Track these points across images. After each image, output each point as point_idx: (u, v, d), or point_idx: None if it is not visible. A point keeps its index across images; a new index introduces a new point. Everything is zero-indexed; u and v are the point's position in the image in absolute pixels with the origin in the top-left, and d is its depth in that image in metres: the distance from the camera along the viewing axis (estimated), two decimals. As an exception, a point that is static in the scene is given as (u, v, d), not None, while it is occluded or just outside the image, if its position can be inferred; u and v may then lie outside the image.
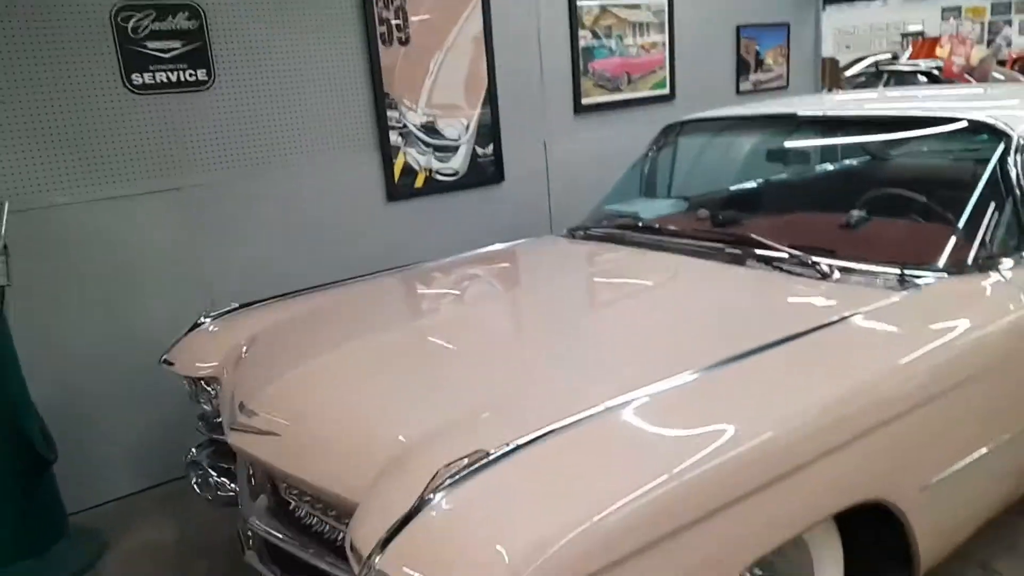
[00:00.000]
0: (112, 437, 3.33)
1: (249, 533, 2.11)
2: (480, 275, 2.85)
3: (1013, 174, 2.31)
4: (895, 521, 1.85)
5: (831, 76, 7.26)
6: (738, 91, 5.31)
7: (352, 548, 1.41)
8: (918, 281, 2.13)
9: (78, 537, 3.02)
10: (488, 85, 4.12)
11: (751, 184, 3.28)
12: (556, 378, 1.84)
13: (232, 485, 2.49)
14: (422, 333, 2.25)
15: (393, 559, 1.32)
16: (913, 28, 13.25)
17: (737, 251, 2.48)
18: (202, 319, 2.67)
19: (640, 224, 2.93)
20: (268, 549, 2.06)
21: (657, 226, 2.86)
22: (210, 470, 2.54)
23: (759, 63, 5.40)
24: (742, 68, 5.31)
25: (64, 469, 2.99)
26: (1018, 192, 2.30)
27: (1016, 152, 2.32)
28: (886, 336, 1.92)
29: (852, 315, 1.96)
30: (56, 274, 3.11)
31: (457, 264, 2.93)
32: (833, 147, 3.25)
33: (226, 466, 2.54)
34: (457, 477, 1.38)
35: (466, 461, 1.40)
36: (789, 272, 2.31)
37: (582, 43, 4.47)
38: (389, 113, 3.81)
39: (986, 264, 2.19)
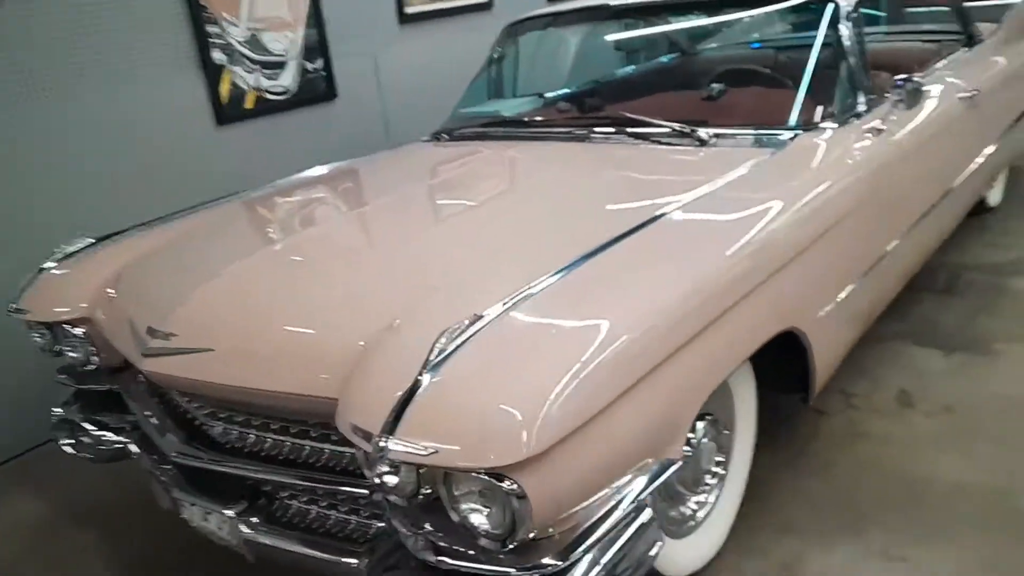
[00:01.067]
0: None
1: (167, 475, 1.96)
2: (361, 180, 2.75)
3: (845, 39, 2.56)
4: (800, 350, 2.08)
5: None
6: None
7: (356, 429, 1.37)
8: (782, 138, 2.34)
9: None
10: (310, -5, 3.89)
11: (607, 73, 3.39)
12: (486, 256, 1.86)
13: (116, 438, 2.28)
14: (328, 234, 2.17)
15: (409, 431, 1.30)
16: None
17: (613, 131, 2.58)
18: (50, 261, 2.37)
19: (508, 120, 2.95)
20: (186, 479, 1.93)
21: (527, 119, 2.89)
22: (86, 425, 2.31)
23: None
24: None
25: None
26: (851, 55, 2.57)
27: (846, 19, 2.58)
28: (776, 185, 2.10)
29: (740, 172, 2.13)
30: None
31: (332, 175, 2.81)
32: (679, 29, 3.42)
33: (103, 419, 2.32)
34: (459, 341, 1.36)
35: (464, 324, 1.39)
36: (669, 144, 2.45)
37: (399, -53, 4.33)
38: (208, 28, 3.49)
39: (833, 120, 2.44)
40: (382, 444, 1.30)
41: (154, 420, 2.03)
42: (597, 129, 2.63)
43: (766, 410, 2.24)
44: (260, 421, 1.80)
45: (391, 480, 1.46)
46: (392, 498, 1.48)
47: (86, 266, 2.29)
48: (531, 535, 1.34)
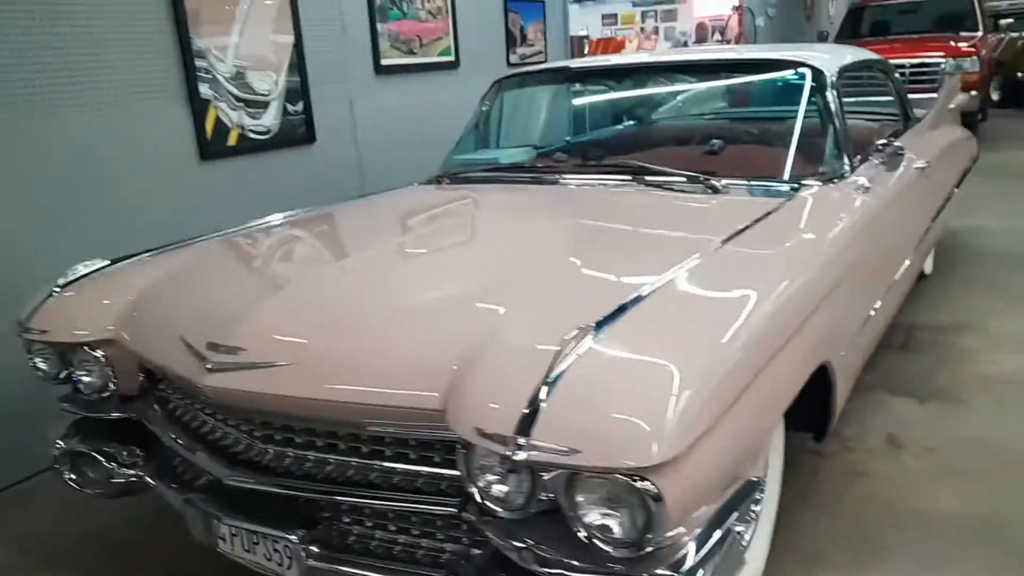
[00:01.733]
0: None
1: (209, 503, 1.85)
2: (381, 214, 2.74)
3: (831, 105, 2.79)
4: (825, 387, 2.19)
5: (579, 54, 7.91)
6: (508, 63, 5.59)
7: (483, 434, 1.35)
8: (785, 190, 2.51)
9: None
10: (295, 38, 3.91)
11: (600, 129, 3.53)
12: (565, 276, 1.91)
13: (130, 471, 2.15)
14: (386, 256, 2.19)
15: (545, 433, 1.30)
16: (581, 32, 14.78)
17: (629, 178, 2.69)
18: (61, 282, 2.25)
19: (515, 167, 3.02)
20: (237, 508, 1.83)
21: (536, 166, 2.97)
22: (96, 456, 2.17)
23: (523, 37, 5.74)
24: (511, 41, 5.60)
25: None
26: (836, 119, 2.79)
27: (832, 87, 2.82)
28: (802, 227, 2.24)
29: (767, 215, 2.27)
30: None
31: (351, 209, 2.82)
32: (673, 92, 3.61)
33: (113, 450, 2.19)
34: (576, 351, 1.39)
35: (578, 334, 1.42)
36: (683, 192, 2.57)
37: (377, 2, 4.41)
38: (197, 62, 3.45)
39: (830, 174, 2.64)
40: (520, 444, 1.29)
41: (190, 445, 1.93)
42: (611, 176, 2.74)
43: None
44: (324, 442, 1.75)
45: (500, 489, 1.45)
46: (497, 510, 1.46)
47: (106, 287, 2.19)
48: (666, 540, 1.35)
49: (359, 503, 1.69)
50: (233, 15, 3.61)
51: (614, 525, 1.36)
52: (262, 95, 3.79)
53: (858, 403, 3.12)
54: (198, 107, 3.48)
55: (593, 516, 1.37)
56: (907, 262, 3.16)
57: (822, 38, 11.33)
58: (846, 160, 2.75)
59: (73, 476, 2.20)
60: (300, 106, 3.99)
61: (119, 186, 3.20)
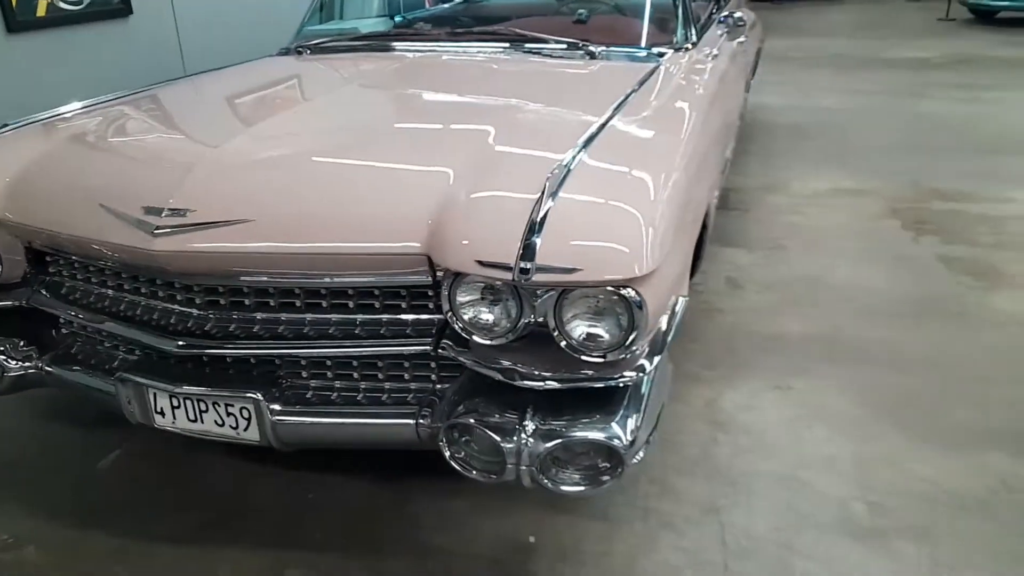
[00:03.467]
0: None
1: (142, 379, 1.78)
2: (262, 81, 2.60)
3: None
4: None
5: None
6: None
7: (486, 264, 1.44)
8: (653, 55, 2.71)
9: None
10: None
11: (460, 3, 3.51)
12: (514, 125, 2.00)
13: (23, 363, 2.00)
14: (327, 108, 2.15)
15: (546, 256, 1.42)
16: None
17: (506, 46, 2.75)
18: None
19: (382, 35, 2.96)
20: (180, 377, 1.79)
21: (404, 35, 2.93)
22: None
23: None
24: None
25: None
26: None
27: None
28: (685, 84, 2.46)
29: (649, 75, 2.45)
30: None
31: (218, 79, 2.64)
32: None
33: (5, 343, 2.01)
34: (562, 184, 1.52)
35: (564, 163, 1.53)
36: (564, 58, 2.69)
37: None
38: (-8, -85, 2.98)
39: (681, 43, 2.86)
40: (525, 268, 1.40)
41: (116, 323, 1.83)
42: (487, 45, 2.78)
43: None
44: (276, 301, 1.74)
45: (486, 318, 1.55)
46: (481, 339, 1.57)
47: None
48: (648, 342, 1.54)
49: (329, 355, 1.72)
50: None
51: (602, 332, 1.51)
52: (69, -41, 3.35)
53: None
54: (-2, -29, 3.03)
55: (580, 329, 1.51)
56: (733, 126, 3.52)
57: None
58: (693, 31, 2.99)
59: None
60: (113, -27, 3.57)
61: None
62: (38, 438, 2.40)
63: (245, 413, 1.74)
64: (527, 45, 2.74)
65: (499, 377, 1.57)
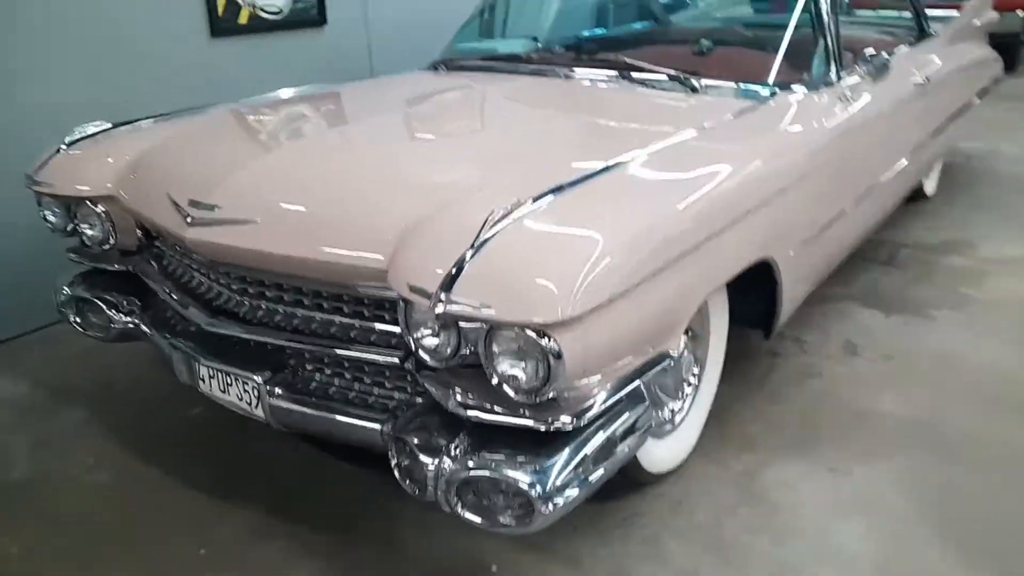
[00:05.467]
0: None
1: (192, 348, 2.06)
2: (378, 95, 2.86)
3: (824, 12, 2.79)
4: (763, 289, 2.31)
5: None
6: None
7: (414, 288, 1.52)
8: (762, 94, 2.56)
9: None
10: (309, -84, 3.93)
11: (598, 22, 3.56)
12: (526, 159, 2.03)
13: (127, 318, 2.36)
14: (363, 132, 2.31)
15: (464, 290, 1.46)
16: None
17: (614, 74, 2.75)
18: (67, 140, 2.42)
19: (509, 56, 3.08)
20: (217, 353, 2.04)
21: (528, 57, 3.03)
22: (97, 302, 2.38)
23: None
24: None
25: None
26: (827, 27, 2.79)
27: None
28: (764, 130, 2.32)
29: (734, 115, 2.34)
30: None
31: (351, 90, 2.93)
32: None
33: (114, 298, 2.40)
34: (511, 217, 1.54)
35: (515, 203, 1.56)
36: (663, 90, 2.64)
37: None
38: (212, -62, 3.51)
39: (814, 81, 2.67)
40: (442, 298, 1.46)
41: (176, 295, 2.13)
42: (597, 72, 2.80)
43: (731, 345, 2.50)
44: (292, 297, 1.93)
45: (431, 342, 1.62)
46: (428, 361, 1.64)
47: (108, 147, 2.35)
48: (562, 393, 1.52)
49: (317, 352, 1.88)
50: None
51: (519, 374, 1.53)
52: (275, -26, 3.84)
53: (825, 311, 3.24)
54: (211, -17, 3.56)
55: (504, 366, 1.54)
56: (890, 176, 3.20)
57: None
58: (833, 68, 2.77)
59: (78, 320, 2.42)
60: (313, -13, 4.03)
61: (133, 57, 3.33)
62: (143, 383, 2.79)
63: (255, 391, 1.95)
64: (633, 74, 2.72)
65: (436, 399, 1.63)
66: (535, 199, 1.63)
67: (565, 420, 1.56)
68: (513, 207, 1.58)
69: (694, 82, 2.61)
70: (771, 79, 2.63)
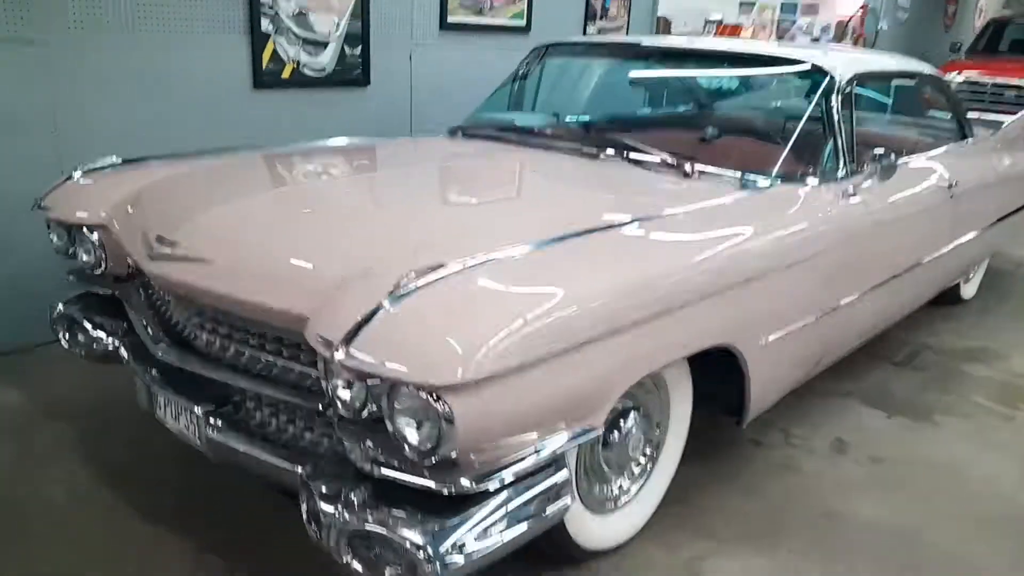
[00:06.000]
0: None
1: (150, 376, 2.14)
2: (375, 155, 2.97)
3: (834, 110, 2.78)
4: (737, 373, 2.26)
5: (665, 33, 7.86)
6: (584, 33, 5.66)
7: (320, 339, 1.55)
8: (759, 184, 2.55)
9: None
10: (361, -14, 4.15)
11: (616, 104, 3.62)
12: (470, 227, 2.07)
13: (109, 339, 2.46)
14: (332, 190, 2.38)
15: (364, 345, 1.49)
16: (715, 16, 14.47)
17: (611, 153, 2.79)
18: (77, 171, 2.58)
19: (520, 128, 3.16)
20: (168, 382, 2.11)
21: (536, 130, 3.11)
22: (84, 323, 2.49)
23: (604, 11, 5.79)
24: (590, 13, 5.66)
25: None
26: (837, 124, 2.78)
27: (837, 92, 2.80)
28: (734, 220, 2.29)
29: (707, 203, 2.33)
30: None
31: (352, 146, 3.05)
32: (688, 77, 3.65)
33: (101, 320, 2.50)
34: (422, 281, 1.57)
35: (429, 267, 1.59)
36: (657, 172, 2.66)
37: (451, -39, 4.60)
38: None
39: (810, 177, 2.64)
40: (339, 352, 1.48)
41: (147, 323, 2.22)
42: (599, 149, 2.84)
43: (706, 429, 2.44)
44: (240, 336, 1.99)
45: (344, 394, 1.64)
46: (341, 411, 1.66)
47: (109, 180, 2.50)
48: (453, 455, 1.51)
49: (250, 391, 1.93)
50: (303, -42, 3.87)
51: (412, 434, 1.53)
52: (322, 35, 4.05)
53: (822, 405, 3.13)
54: (257, 40, 3.78)
55: (400, 424, 1.54)
56: (903, 277, 3.10)
57: (954, 49, 10.68)
58: (840, 166, 2.74)
59: (66, 337, 2.54)
60: (358, 50, 4.23)
61: (175, 106, 3.55)
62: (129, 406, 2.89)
63: (195, 422, 2.00)
64: (631, 155, 2.75)
65: (348, 451, 1.64)
66: (462, 264, 1.65)
67: (464, 484, 1.55)
68: (432, 269, 1.61)
69: (687, 168, 2.61)
70: (774, 170, 2.61)
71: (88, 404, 2.89)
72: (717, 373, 2.30)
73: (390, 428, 1.56)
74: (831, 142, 2.77)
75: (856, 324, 2.90)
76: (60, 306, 2.56)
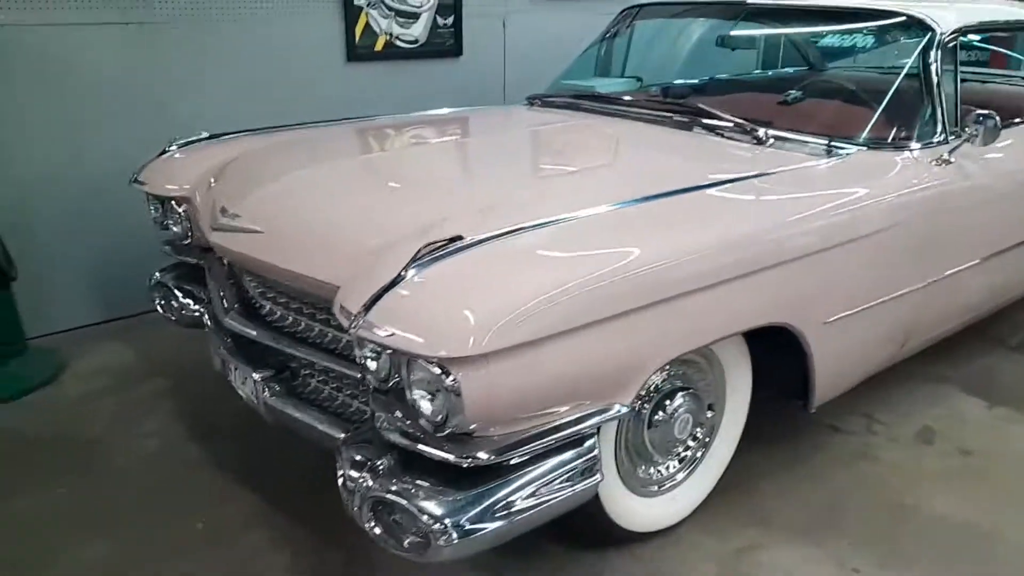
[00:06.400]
0: (71, 265, 3.41)
1: (223, 341, 2.28)
2: (444, 125, 3.00)
3: (932, 68, 2.56)
4: (800, 353, 2.15)
5: None
6: None
7: (342, 309, 1.61)
8: (840, 151, 2.39)
9: (36, 356, 3.12)
10: (452, -45, 4.16)
11: (700, 66, 3.49)
12: (514, 196, 2.07)
13: (196, 306, 2.64)
14: (392, 161, 2.44)
15: (379, 316, 1.53)
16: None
17: (685, 119, 2.69)
18: (170, 146, 2.75)
19: (597, 96, 3.10)
20: (239, 348, 2.24)
21: (614, 98, 3.04)
22: (175, 291, 2.68)
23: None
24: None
25: (22, 295, 3.07)
26: (935, 84, 2.56)
27: (938, 47, 2.57)
28: (799, 190, 2.17)
29: (775, 171, 2.21)
30: (6, 96, 3.10)
31: (423, 119, 3.09)
32: (779, 35, 3.45)
33: (191, 288, 2.69)
34: (434, 255, 1.58)
35: (444, 242, 1.60)
36: (731, 138, 2.54)
37: (547, -74, 4.52)
38: (355, -28, 3.83)
39: (901, 143, 2.46)
40: (355, 322, 1.53)
41: (222, 292, 2.37)
42: (673, 116, 2.75)
43: (778, 411, 2.36)
44: (296, 305, 2.09)
45: (372, 365, 1.70)
46: (370, 381, 1.72)
47: (196, 155, 2.66)
48: (470, 428, 1.54)
49: (301, 358, 2.03)
50: (395, -71, 3.92)
51: (425, 406, 1.56)
52: (414, 6, 4.10)
53: (915, 390, 2.94)
54: (350, 13, 3.88)
55: (416, 396, 1.58)
56: (1000, 255, 2.81)
57: None
58: (939, 130, 2.53)
59: (161, 303, 2.74)
60: (450, 20, 4.26)
61: (273, 81, 3.72)
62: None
63: (254, 387, 2.13)
64: (705, 121, 2.65)
65: (378, 419, 1.70)
66: (482, 235, 1.65)
67: (482, 457, 1.57)
68: (451, 240, 1.62)
69: (760, 133, 2.49)
70: (861, 135, 2.45)
71: (181, 366, 3.12)
72: (780, 353, 2.20)
73: (408, 399, 1.60)
74: (928, 103, 2.55)
75: (950, 304, 2.69)
76: (157, 275, 2.77)
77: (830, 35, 3.33)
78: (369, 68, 4.05)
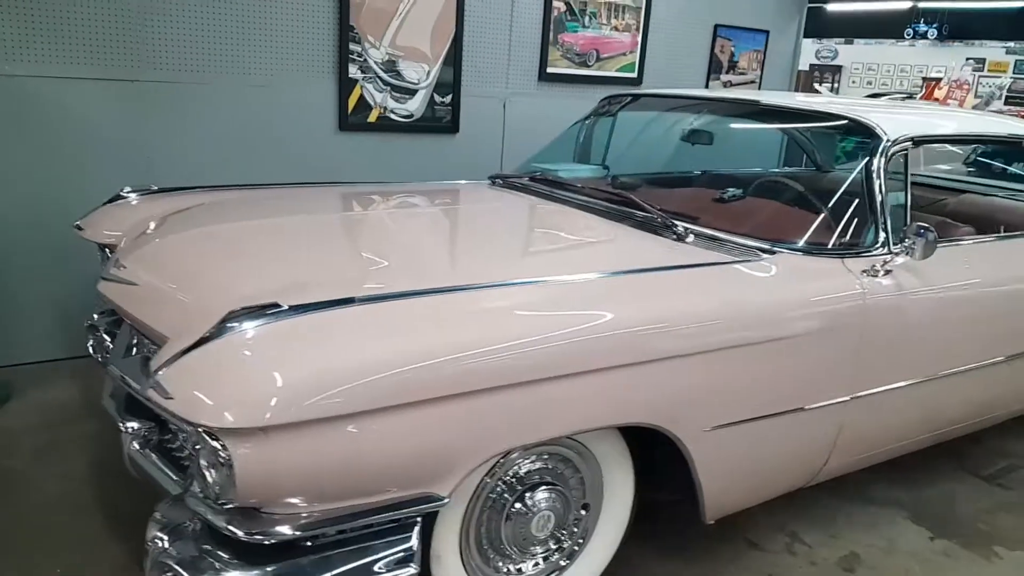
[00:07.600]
0: (26, 305, 3.52)
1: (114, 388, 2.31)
2: (381, 198, 3.04)
3: (876, 175, 2.46)
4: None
5: (805, 90, 7.33)
6: (707, 86, 5.45)
7: (145, 368, 1.62)
8: (762, 254, 2.30)
9: (-14, 386, 3.22)
10: (455, 37, 4.27)
11: (670, 158, 3.48)
12: (379, 270, 2.08)
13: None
14: (287, 225, 2.48)
15: (166, 378, 1.52)
16: (935, 74, 13.21)
17: (616, 209, 2.66)
18: (124, 192, 2.86)
19: (549, 180, 3.10)
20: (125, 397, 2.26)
21: (564, 182, 3.03)
22: (105, 334, 2.74)
23: (732, 65, 5.55)
24: (715, 66, 5.46)
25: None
26: (877, 192, 2.46)
27: (882, 155, 2.48)
28: (688, 289, 2.09)
29: (668, 267, 2.15)
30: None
31: (371, 190, 3.14)
32: (735, 132, 3.40)
33: (111, 332, 2.74)
34: (241, 321, 1.56)
35: (255, 308, 1.59)
36: (653, 232, 2.48)
37: (554, 13, 4.62)
38: (352, 46, 3.97)
39: (830, 250, 2.36)
40: (148, 382, 1.53)
41: (121, 339, 2.40)
42: (611, 205, 2.71)
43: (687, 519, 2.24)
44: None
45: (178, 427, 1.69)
46: (186, 444, 1.70)
47: (141, 206, 2.73)
48: (249, 503, 1.50)
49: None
50: (396, 8, 4.06)
51: (208, 475, 1.53)
52: (410, 83, 4.22)
53: (859, 513, 2.76)
54: (345, 85, 4.02)
55: (203, 464, 1.55)
56: (949, 377, 2.64)
57: None
58: (876, 239, 2.42)
59: (93, 345, 2.80)
60: (448, 98, 4.36)
61: (261, 144, 3.85)
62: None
63: (123, 438, 2.13)
64: (636, 212, 2.61)
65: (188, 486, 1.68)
66: (295, 305, 1.62)
67: (271, 533, 1.52)
68: (263, 308, 1.59)
69: (680, 229, 2.43)
70: (787, 238, 2.37)
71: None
72: (670, 458, 2.09)
73: (195, 465, 1.57)
74: (869, 211, 2.45)
75: (883, 424, 2.52)
76: (95, 316, 2.85)
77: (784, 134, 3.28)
78: (360, 138, 4.16)
